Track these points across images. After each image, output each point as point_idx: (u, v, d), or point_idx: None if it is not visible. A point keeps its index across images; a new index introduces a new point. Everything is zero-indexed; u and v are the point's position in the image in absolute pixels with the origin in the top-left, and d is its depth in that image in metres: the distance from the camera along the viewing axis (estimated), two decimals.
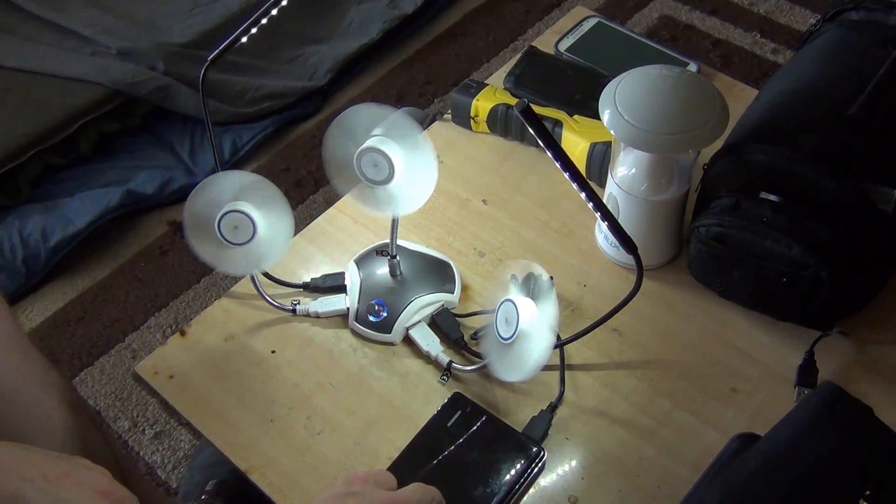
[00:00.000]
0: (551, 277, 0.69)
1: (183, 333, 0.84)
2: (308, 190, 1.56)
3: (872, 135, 0.74)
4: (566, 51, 1.06)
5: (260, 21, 0.74)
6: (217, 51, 0.75)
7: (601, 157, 0.89)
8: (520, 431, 0.73)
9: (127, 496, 0.59)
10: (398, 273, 0.83)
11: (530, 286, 0.70)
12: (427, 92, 1.73)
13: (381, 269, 0.84)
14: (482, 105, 0.97)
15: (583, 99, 0.95)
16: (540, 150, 0.80)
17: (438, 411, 0.75)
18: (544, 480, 0.72)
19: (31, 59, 1.64)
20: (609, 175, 0.82)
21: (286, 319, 0.84)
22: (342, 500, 0.60)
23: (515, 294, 0.69)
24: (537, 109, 0.93)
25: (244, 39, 0.75)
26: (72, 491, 0.57)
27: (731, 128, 0.79)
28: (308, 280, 0.86)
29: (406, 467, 0.72)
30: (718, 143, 0.76)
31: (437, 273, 0.85)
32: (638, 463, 0.73)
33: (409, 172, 0.72)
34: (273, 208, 0.76)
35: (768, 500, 0.60)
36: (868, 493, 0.59)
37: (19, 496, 0.54)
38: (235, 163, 1.61)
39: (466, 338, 0.81)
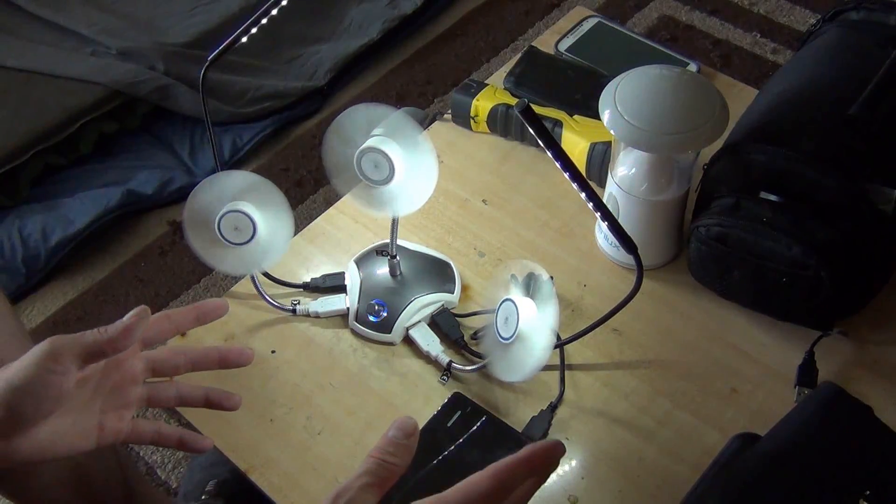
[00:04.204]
0: (551, 277, 0.69)
1: (183, 334, 0.84)
2: (308, 190, 1.56)
3: (872, 135, 0.74)
4: (566, 51, 1.06)
5: (260, 21, 0.74)
6: (217, 51, 0.75)
7: (601, 157, 0.89)
8: (520, 431, 0.73)
9: None
10: (398, 273, 0.83)
11: (530, 286, 0.70)
12: (427, 92, 1.74)
13: (381, 269, 0.84)
14: (482, 105, 0.97)
15: (583, 99, 0.95)
16: (540, 150, 0.80)
17: (438, 411, 0.75)
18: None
19: (31, 59, 1.64)
20: (609, 175, 0.82)
21: (286, 319, 0.84)
22: None
23: (515, 294, 0.69)
24: (537, 109, 0.93)
25: (244, 39, 0.75)
26: None
27: (731, 128, 0.79)
28: (308, 280, 0.86)
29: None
30: (718, 143, 0.76)
31: (437, 273, 0.85)
32: (638, 463, 0.73)
33: (409, 172, 0.72)
34: (273, 208, 0.76)
35: (768, 500, 0.60)
36: (868, 493, 0.59)
37: None
38: (235, 163, 1.61)
39: (466, 338, 0.81)
